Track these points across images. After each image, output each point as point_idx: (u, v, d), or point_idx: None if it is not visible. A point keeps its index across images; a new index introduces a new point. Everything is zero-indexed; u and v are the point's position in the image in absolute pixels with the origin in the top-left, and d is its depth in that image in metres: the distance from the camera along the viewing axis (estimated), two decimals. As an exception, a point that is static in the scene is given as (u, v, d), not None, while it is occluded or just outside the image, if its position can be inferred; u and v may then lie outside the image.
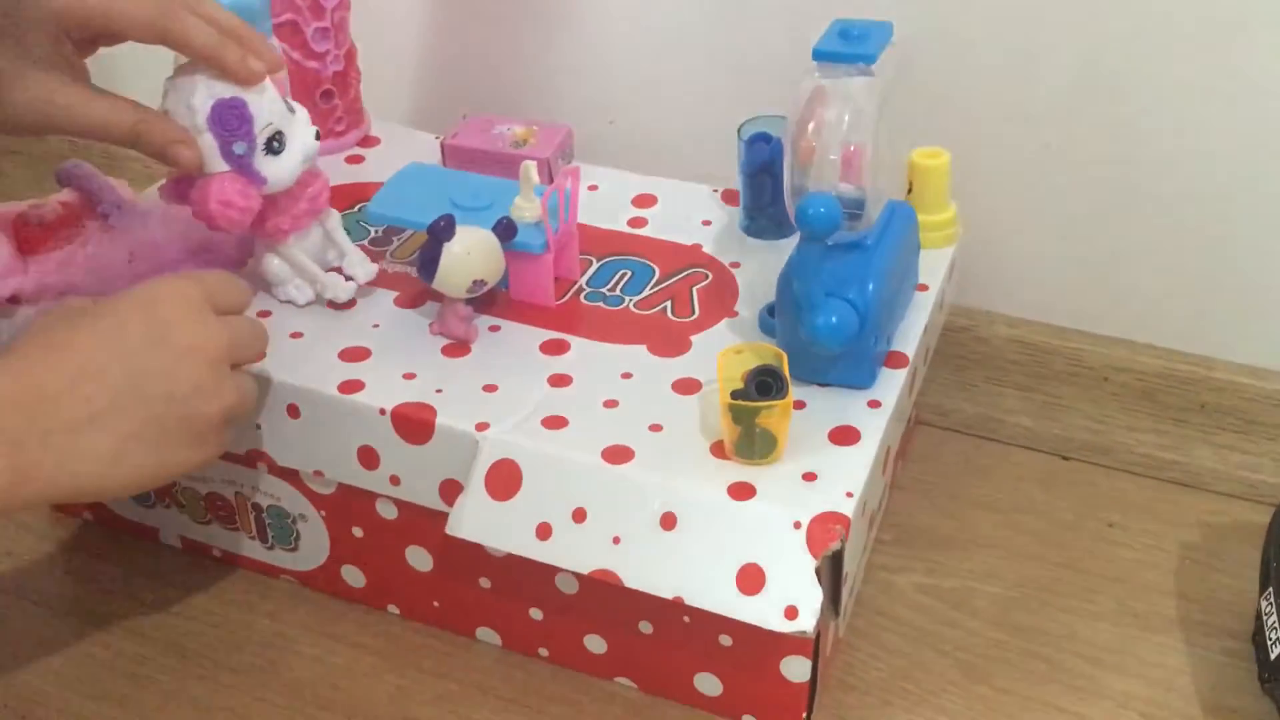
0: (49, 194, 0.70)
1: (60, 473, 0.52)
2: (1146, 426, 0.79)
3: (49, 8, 0.57)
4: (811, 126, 0.61)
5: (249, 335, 0.60)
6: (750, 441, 0.58)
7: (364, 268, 0.68)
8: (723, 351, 0.60)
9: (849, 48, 0.59)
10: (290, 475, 0.67)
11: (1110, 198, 0.76)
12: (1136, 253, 0.77)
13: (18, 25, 0.57)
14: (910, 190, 0.72)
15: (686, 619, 0.60)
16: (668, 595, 0.56)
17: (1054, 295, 0.80)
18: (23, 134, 0.60)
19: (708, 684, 0.63)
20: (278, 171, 0.63)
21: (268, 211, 0.65)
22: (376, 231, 0.75)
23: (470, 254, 0.64)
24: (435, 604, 0.68)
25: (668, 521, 0.57)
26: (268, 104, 0.62)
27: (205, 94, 0.60)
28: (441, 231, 0.63)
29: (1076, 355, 0.79)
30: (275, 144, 0.62)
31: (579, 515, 0.58)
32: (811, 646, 0.59)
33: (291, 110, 0.64)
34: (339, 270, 0.69)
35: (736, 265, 0.72)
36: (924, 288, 0.70)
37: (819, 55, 0.59)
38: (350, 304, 0.68)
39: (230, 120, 0.60)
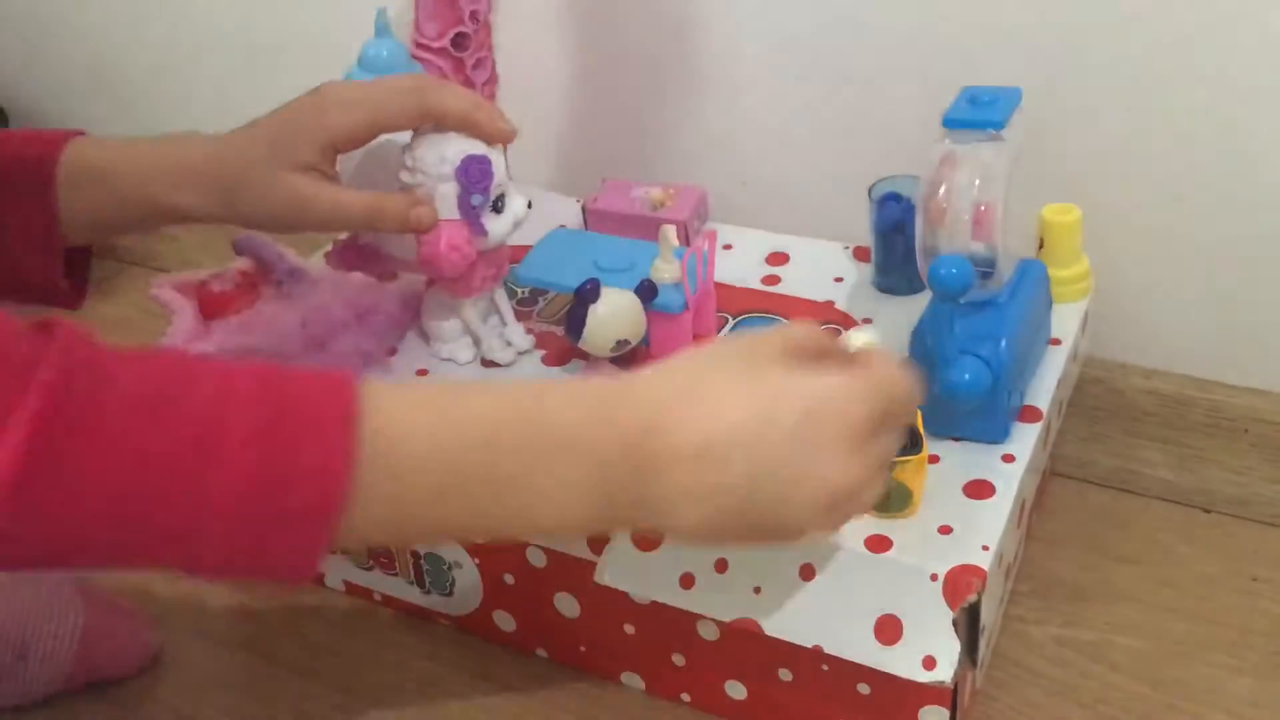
0: (218, 256, 0.76)
1: (640, 523, 0.50)
2: (1290, 478, 0.78)
3: (323, 129, 0.64)
4: (943, 189, 0.63)
5: (888, 458, 0.52)
6: (886, 495, 0.59)
7: (523, 337, 0.73)
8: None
9: (979, 114, 0.61)
10: (446, 524, 0.71)
11: (1244, 247, 0.76)
12: (1273, 302, 0.76)
13: (294, 140, 0.64)
14: (1042, 246, 0.73)
15: (825, 667, 0.62)
16: (807, 644, 0.58)
17: (1190, 347, 0.80)
18: (277, 229, 0.67)
19: (846, 731, 0.64)
20: (497, 229, 0.68)
21: (466, 268, 0.69)
22: (523, 292, 0.79)
23: (614, 315, 0.67)
24: (582, 648, 0.71)
25: (806, 573, 0.59)
26: (502, 167, 0.67)
27: (458, 148, 0.65)
28: (588, 295, 0.67)
29: (1215, 407, 0.78)
30: (499, 204, 0.68)
31: (720, 566, 0.60)
32: (950, 697, 0.60)
33: (510, 178, 0.69)
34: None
35: (869, 321, 0.74)
36: (1057, 342, 0.71)
37: (949, 123, 0.62)
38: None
39: (475, 173, 0.65)
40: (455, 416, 0.49)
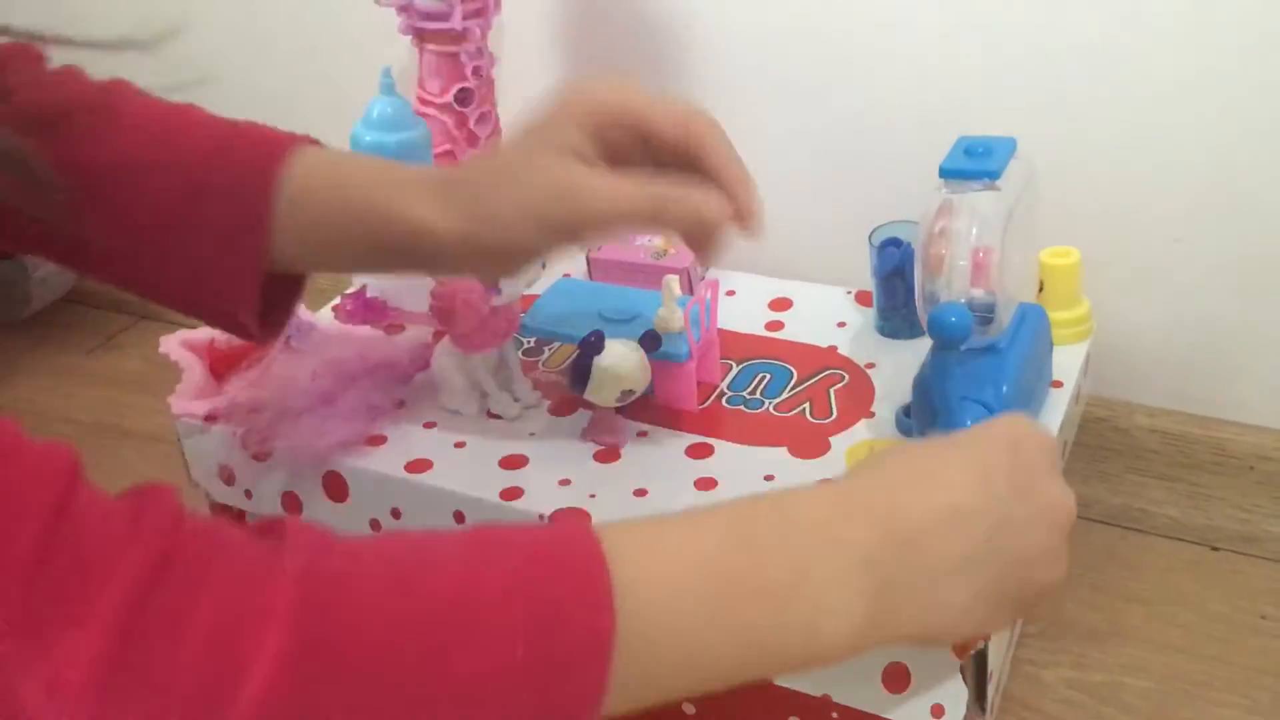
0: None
1: (912, 622, 0.47)
2: (1297, 515, 0.78)
3: (588, 102, 0.56)
4: (941, 237, 0.63)
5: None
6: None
7: (529, 393, 0.74)
8: (851, 448, 0.62)
9: (974, 164, 0.62)
10: (456, 576, 0.71)
11: (1243, 287, 0.76)
12: (1274, 339, 0.77)
13: (552, 120, 0.56)
14: (1042, 289, 0.74)
15: (835, 716, 0.62)
16: (816, 694, 0.59)
17: (1193, 385, 0.80)
18: (535, 240, 0.55)
19: (857, 779, 0.64)
20: (511, 288, 0.69)
21: (479, 324, 0.70)
22: (529, 342, 0.80)
23: (619, 366, 0.68)
24: (592, 698, 0.71)
25: (814, 621, 0.59)
26: None
27: None
28: (592, 347, 0.67)
29: (1220, 444, 0.79)
30: None
31: (728, 615, 0.61)
32: (959, 743, 0.60)
33: None
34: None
35: (872, 365, 0.74)
36: (1059, 384, 0.71)
37: (945, 173, 0.62)
38: (509, 415, 0.73)
39: None
40: (696, 534, 0.46)
